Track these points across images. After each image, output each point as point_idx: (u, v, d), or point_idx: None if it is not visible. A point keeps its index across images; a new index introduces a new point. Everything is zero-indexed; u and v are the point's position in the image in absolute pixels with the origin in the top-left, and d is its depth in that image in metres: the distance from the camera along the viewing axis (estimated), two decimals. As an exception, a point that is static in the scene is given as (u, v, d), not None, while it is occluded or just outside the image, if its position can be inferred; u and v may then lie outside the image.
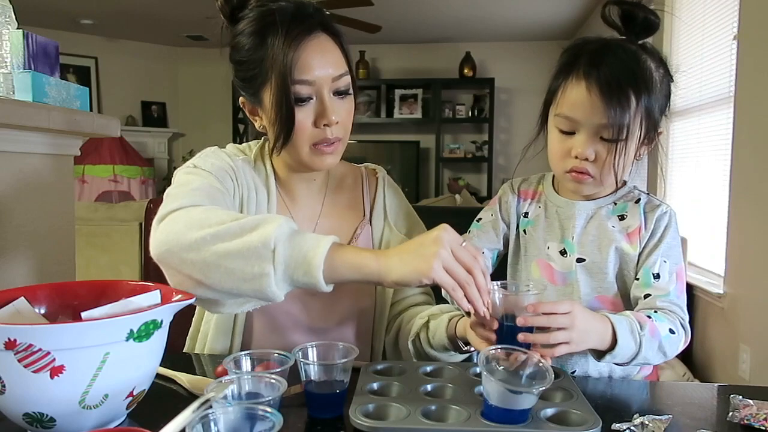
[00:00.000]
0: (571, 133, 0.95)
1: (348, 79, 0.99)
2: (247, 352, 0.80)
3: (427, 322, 1.03)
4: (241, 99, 1.04)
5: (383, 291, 1.12)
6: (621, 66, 0.93)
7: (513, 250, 1.09)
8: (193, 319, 1.12)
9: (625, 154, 0.93)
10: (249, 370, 0.78)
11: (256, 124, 1.04)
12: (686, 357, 2.93)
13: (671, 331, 0.92)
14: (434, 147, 6.12)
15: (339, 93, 0.98)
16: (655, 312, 0.93)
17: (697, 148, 3.17)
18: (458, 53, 6.02)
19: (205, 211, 0.85)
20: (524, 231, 1.07)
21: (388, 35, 5.42)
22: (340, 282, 0.82)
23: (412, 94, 6.15)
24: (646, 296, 0.96)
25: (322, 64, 0.95)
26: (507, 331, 0.82)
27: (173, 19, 5.43)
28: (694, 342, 2.95)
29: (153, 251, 0.83)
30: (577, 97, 0.93)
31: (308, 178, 1.08)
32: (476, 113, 6.10)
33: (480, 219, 1.12)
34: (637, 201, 1.02)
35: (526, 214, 1.08)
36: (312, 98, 0.96)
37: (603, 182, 0.97)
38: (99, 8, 5.12)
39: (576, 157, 0.94)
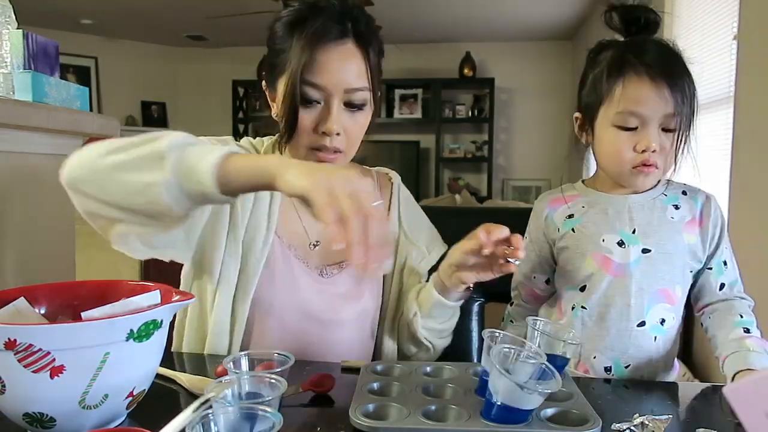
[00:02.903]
0: (632, 129, 0.97)
1: (365, 95, 0.97)
2: (247, 352, 0.80)
3: (416, 312, 1.04)
4: (263, 83, 1.04)
5: (390, 291, 1.11)
6: (671, 56, 0.97)
7: (560, 254, 1.08)
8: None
9: (686, 141, 0.97)
10: (249, 370, 0.78)
11: (273, 111, 1.04)
12: (686, 357, 2.93)
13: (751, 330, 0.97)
14: (434, 147, 6.13)
15: (352, 106, 0.97)
16: (741, 317, 0.99)
17: (697, 148, 3.16)
18: (458, 53, 6.02)
19: (122, 138, 0.84)
20: (572, 230, 1.06)
21: (388, 35, 5.37)
22: (237, 188, 0.76)
23: (412, 94, 6.15)
24: (722, 286, 1.01)
25: (337, 72, 0.93)
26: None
27: (173, 19, 5.43)
28: (694, 342, 2.95)
29: (61, 178, 0.82)
30: (642, 92, 0.95)
31: None
32: (476, 113, 6.10)
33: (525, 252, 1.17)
34: (684, 192, 1.05)
35: (570, 216, 1.07)
36: (320, 102, 0.95)
37: (665, 172, 1.01)
38: (99, 8, 5.11)
39: (643, 151, 0.96)
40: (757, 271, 2.42)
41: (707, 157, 3.00)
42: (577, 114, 1.07)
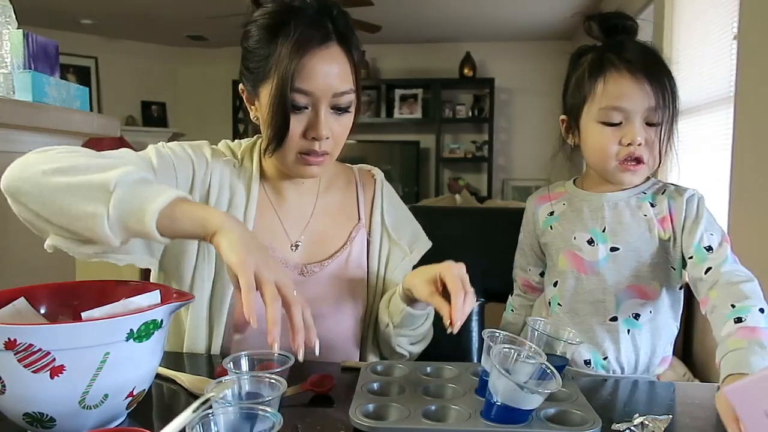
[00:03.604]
0: (617, 124, 0.99)
1: (351, 97, 0.96)
2: (247, 352, 0.80)
3: (389, 323, 1.03)
4: (240, 86, 1.03)
5: (375, 291, 1.10)
6: (650, 54, 1.01)
7: (544, 250, 1.13)
8: None
9: (669, 135, 0.99)
10: (249, 370, 0.78)
11: (251, 114, 1.03)
12: (686, 357, 2.93)
13: (761, 311, 0.87)
14: (434, 147, 6.12)
15: (338, 109, 0.96)
16: (733, 306, 0.88)
17: (697, 148, 3.17)
18: (458, 53, 6.02)
19: (69, 151, 0.83)
20: (550, 227, 1.10)
21: (388, 35, 5.42)
22: (177, 235, 0.79)
23: (412, 94, 6.15)
24: (708, 270, 0.95)
25: (325, 77, 0.92)
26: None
27: (173, 19, 5.43)
28: (694, 342, 2.95)
29: (1, 182, 0.81)
30: (623, 87, 0.98)
31: (297, 181, 1.07)
32: (476, 113, 6.10)
33: (519, 239, 1.20)
34: (664, 191, 1.05)
35: (551, 213, 1.11)
36: (308, 108, 0.94)
37: (652, 167, 1.02)
38: (99, 8, 5.11)
39: (629, 145, 0.98)
40: (756, 271, 2.42)
41: (707, 157, 3.00)
42: (562, 117, 1.11)
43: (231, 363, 0.77)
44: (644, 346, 1.04)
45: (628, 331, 1.03)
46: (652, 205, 1.04)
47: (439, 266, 0.89)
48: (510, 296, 1.24)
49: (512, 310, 1.23)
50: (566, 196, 1.11)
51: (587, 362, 1.05)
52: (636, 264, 1.02)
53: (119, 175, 0.76)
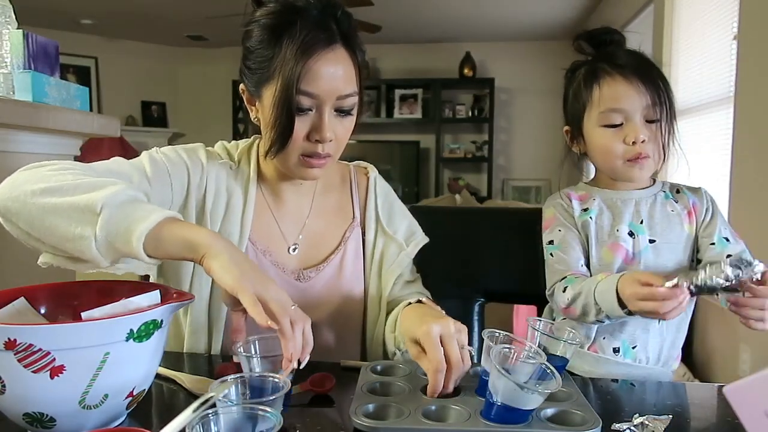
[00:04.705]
0: (618, 125, 1.04)
1: (354, 99, 0.96)
2: (258, 336, 0.79)
3: (396, 352, 1.02)
4: (241, 86, 1.02)
5: (372, 289, 1.10)
6: (639, 56, 1.08)
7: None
8: None
9: (669, 131, 1.04)
10: (258, 356, 0.78)
11: (251, 114, 1.02)
12: (686, 357, 2.93)
13: None
14: (434, 147, 6.13)
15: (342, 111, 0.96)
16: None
17: (697, 148, 3.17)
18: (458, 53, 6.02)
19: (58, 169, 0.82)
20: (590, 217, 1.11)
21: (388, 35, 5.42)
22: (169, 257, 0.77)
23: (412, 94, 6.15)
24: (728, 256, 1.02)
25: (331, 80, 0.92)
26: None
27: (173, 19, 5.43)
28: (694, 342, 2.95)
29: None
30: (618, 90, 1.04)
31: (295, 182, 1.06)
32: (476, 113, 6.11)
33: (552, 241, 1.11)
34: (678, 190, 1.12)
35: (585, 210, 1.13)
36: (312, 110, 0.93)
37: (657, 162, 1.06)
38: (99, 8, 5.12)
39: (633, 143, 1.03)
40: (757, 271, 2.42)
41: (707, 157, 3.00)
42: (566, 128, 1.15)
43: (241, 348, 0.77)
44: (668, 338, 1.09)
45: (659, 320, 1.07)
46: (675, 201, 1.10)
47: (420, 330, 0.81)
48: (555, 287, 1.08)
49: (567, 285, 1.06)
50: (593, 194, 1.13)
51: (616, 350, 1.07)
52: (671, 255, 1.07)
53: (106, 196, 0.75)
